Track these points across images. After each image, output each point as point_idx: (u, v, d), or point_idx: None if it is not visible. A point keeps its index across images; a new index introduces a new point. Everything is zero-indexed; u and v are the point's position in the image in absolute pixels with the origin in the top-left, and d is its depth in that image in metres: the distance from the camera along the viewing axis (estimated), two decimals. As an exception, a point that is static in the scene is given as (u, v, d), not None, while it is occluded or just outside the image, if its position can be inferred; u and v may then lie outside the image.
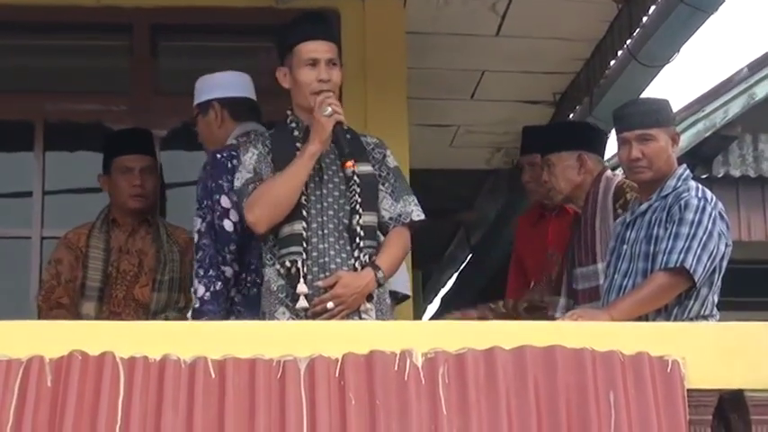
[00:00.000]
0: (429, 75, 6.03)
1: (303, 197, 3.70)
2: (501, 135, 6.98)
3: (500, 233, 7.48)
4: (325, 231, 3.69)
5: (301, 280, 3.64)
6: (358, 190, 3.72)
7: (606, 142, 4.76)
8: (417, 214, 3.81)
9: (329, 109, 3.65)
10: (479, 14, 5.53)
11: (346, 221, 3.70)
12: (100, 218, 4.61)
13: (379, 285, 3.68)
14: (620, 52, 5.62)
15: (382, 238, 3.81)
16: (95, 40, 5.42)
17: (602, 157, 4.68)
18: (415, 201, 3.83)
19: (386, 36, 5.08)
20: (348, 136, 3.74)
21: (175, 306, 4.48)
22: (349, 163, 3.68)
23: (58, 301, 4.49)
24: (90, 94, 5.37)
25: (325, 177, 3.75)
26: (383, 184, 3.80)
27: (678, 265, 3.67)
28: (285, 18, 5.15)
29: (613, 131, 4.14)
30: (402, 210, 3.79)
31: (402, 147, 4.77)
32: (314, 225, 3.70)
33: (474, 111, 6.61)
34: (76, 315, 4.39)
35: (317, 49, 3.76)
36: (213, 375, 2.99)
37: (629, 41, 5.47)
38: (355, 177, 3.73)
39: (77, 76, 5.43)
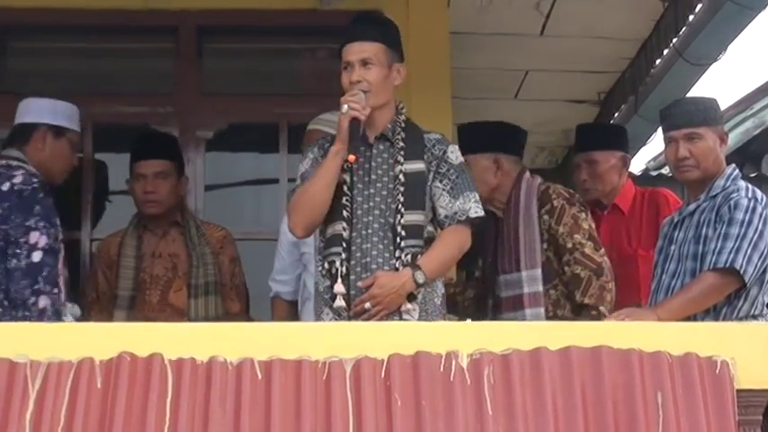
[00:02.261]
0: (473, 74, 6.03)
1: (346, 198, 3.71)
2: (545, 135, 6.97)
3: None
4: (369, 231, 3.69)
5: (339, 280, 3.65)
6: (401, 189, 3.71)
7: (524, 143, 4.67)
8: (475, 211, 3.74)
9: (345, 106, 3.66)
10: (523, 14, 5.52)
11: (392, 221, 3.70)
12: (132, 223, 4.62)
13: (418, 285, 3.65)
14: (666, 51, 5.59)
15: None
16: (141, 43, 5.46)
17: (521, 158, 4.55)
18: (476, 198, 3.76)
19: (430, 36, 5.08)
20: (402, 134, 3.74)
21: (217, 313, 4.46)
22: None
23: (99, 316, 4.50)
24: (136, 96, 5.41)
25: (374, 177, 3.74)
26: (441, 181, 3.75)
27: (728, 265, 3.64)
28: (328, 20, 5.21)
29: (659, 130, 4.11)
30: (460, 207, 3.73)
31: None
32: (359, 225, 3.70)
33: (517, 110, 6.59)
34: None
35: (350, 51, 3.76)
36: (260, 377, 3.00)
37: (675, 40, 5.44)
38: (400, 176, 3.72)
39: (124, 78, 5.48)
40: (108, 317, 4.47)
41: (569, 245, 4.25)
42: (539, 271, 4.21)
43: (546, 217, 4.28)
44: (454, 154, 3.80)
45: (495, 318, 4.17)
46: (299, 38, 5.44)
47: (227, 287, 4.57)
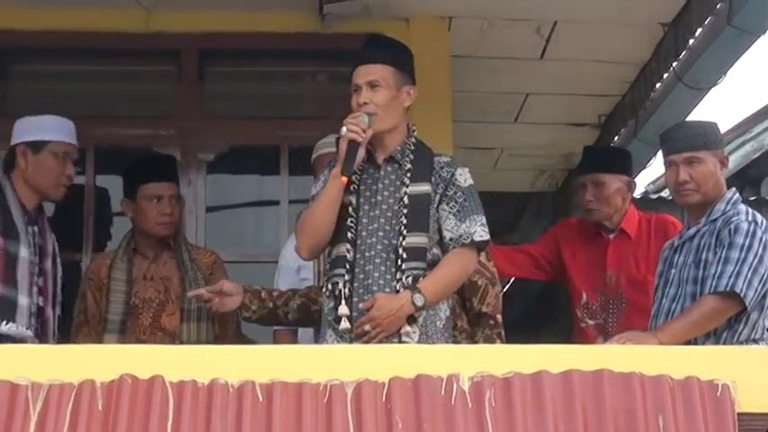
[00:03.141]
0: (473, 97, 6.04)
1: (351, 219, 3.72)
2: (545, 158, 6.97)
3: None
4: (373, 253, 3.70)
5: (343, 301, 3.66)
6: (404, 211, 3.71)
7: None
8: (480, 235, 3.72)
9: (344, 129, 3.68)
10: (524, 38, 5.54)
11: (395, 243, 3.70)
12: (122, 246, 4.55)
13: (417, 308, 3.63)
14: (666, 75, 5.60)
15: None
16: (143, 66, 5.48)
17: None
18: (483, 221, 3.74)
19: (430, 59, 5.09)
20: (411, 156, 3.75)
21: (209, 338, 4.43)
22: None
23: (87, 339, 4.47)
24: (138, 118, 5.41)
25: (380, 199, 3.75)
26: (447, 204, 3.75)
27: (729, 289, 3.65)
28: (330, 43, 5.23)
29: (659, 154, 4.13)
30: (465, 230, 3.71)
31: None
32: (362, 247, 3.71)
33: (518, 133, 6.61)
34: None
35: (358, 74, 3.79)
36: (261, 399, 3.00)
37: (675, 64, 5.46)
38: (405, 198, 3.73)
39: (125, 101, 5.49)
40: (96, 340, 4.41)
41: None
42: None
43: None
44: (463, 176, 3.79)
45: None
46: (300, 61, 5.45)
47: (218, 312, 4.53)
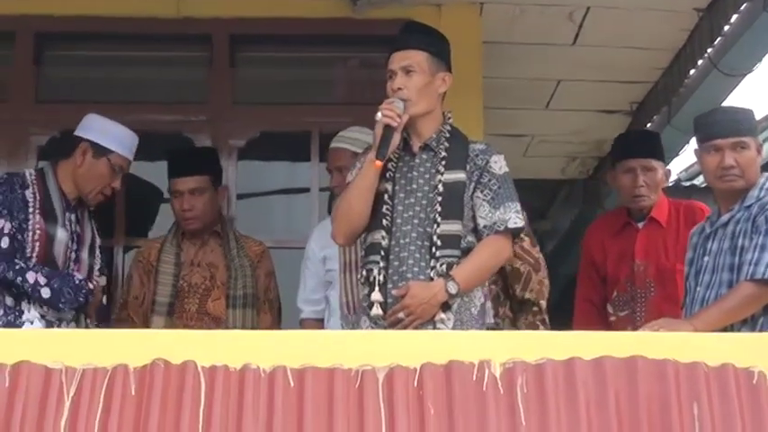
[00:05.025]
0: (504, 84, 6.02)
1: (387, 207, 3.72)
2: (576, 145, 6.95)
3: (573, 244, 7.41)
4: (407, 240, 3.70)
5: (376, 288, 3.66)
6: (439, 199, 3.71)
7: None
8: (514, 222, 3.72)
9: (379, 114, 3.68)
10: (556, 24, 5.51)
11: (429, 230, 3.70)
12: (171, 231, 4.67)
13: (451, 296, 3.64)
14: (700, 61, 5.56)
15: None
16: (175, 51, 5.49)
17: None
18: (517, 208, 3.74)
19: (462, 45, 5.05)
20: (446, 144, 3.74)
21: (253, 325, 4.48)
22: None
23: (128, 318, 4.54)
24: (169, 104, 5.43)
25: (415, 186, 3.75)
26: (482, 191, 3.74)
27: (766, 276, 3.62)
28: (361, 29, 5.22)
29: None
30: (499, 217, 3.71)
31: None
32: (397, 234, 3.71)
33: (549, 120, 6.58)
34: None
35: (393, 60, 3.80)
36: (292, 384, 3.00)
37: (709, 50, 5.42)
38: (439, 186, 3.72)
39: (157, 87, 5.51)
40: (139, 322, 4.50)
41: None
42: None
43: None
44: (498, 164, 3.78)
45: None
46: (331, 46, 5.45)
47: (261, 300, 4.59)
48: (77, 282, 4.13)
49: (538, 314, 4.23)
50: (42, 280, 4.05)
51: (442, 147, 3.76)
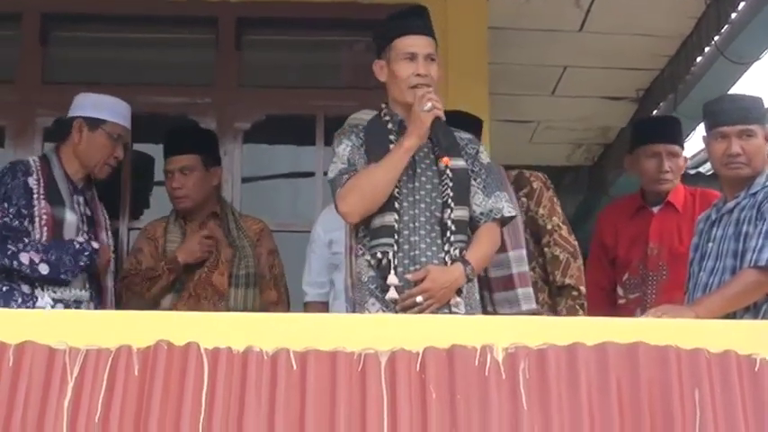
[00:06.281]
0: (510, 70, 6.01)
1: (396, 189, 3.71)
2: (582, 131, 6.95)
3: (578, 230, 7.40)
4: (417, 224, 3.70)
5: (392, 271, 3.65)
6: (451, 184, 3.71)
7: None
8: (508, 210, 3.79)
9: (429, 104, 3.66)
10: (563, 10, 5.50)
11: (438, 215, 3.71)
12: (173, 212, 4.68)
13: (469, 280, 3.68)
14: (707, 49, 5.55)
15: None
16: (181, 33, 5.48)
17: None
18: (507, 197, 3.83)
19: (468, 31, 5.07)
20: (437, 130, 3.73)
21: (255, 305, 4.50)
22: (446, 159, 3.70)
23: (139, 289, 4.56)
24: (175, 86, 5.43)
25: (418, 171, 3.75)
26: (475, 180, 3.79)
27: (769, 263, 3.62)
28: (369, 13, 5.21)
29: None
30: (493, 205, 3.77)
31: (482, 142, 4.75)
32: (405, 218, 3.71)
33: (554, 107, 6.58)
34: (155, 305, 4.46)
35: (415, 43, 3.77)
36: (295, 367, 3.00)
37: (716, 38, 5.40)
38: (448, 172, 3.73)
39: (163, 69, 5.50)
40: (140, 293, 4.50)
41: (549, 226, 4.34)
42: (524, 251, 4.21)
43: (524, 199, 4.32)
44: (484, 153, 3.86)
45: (489, 297, 4.16)
46: (338, 30, 5.44)
47: (266, 278, 4.59)
48: (77, 246, 4.16)
49: (578, 298, 4.29)
50: (37, 257, 4.08)
51: (434, 133, 3.74)
